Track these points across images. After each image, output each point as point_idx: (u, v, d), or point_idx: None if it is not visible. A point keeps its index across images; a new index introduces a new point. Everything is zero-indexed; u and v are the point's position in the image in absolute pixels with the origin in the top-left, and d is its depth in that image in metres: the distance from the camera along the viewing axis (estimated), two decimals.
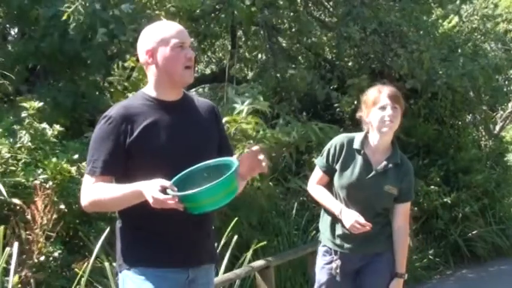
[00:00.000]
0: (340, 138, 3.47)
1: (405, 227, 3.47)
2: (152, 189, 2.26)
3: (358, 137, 3.43)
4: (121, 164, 2.46)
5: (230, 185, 2.31)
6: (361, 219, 3.26)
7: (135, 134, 2.46)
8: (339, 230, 3.40)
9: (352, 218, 3.27)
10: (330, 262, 3.42)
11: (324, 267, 3.44)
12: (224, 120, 5.38)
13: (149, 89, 2.59)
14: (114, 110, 2.51)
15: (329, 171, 3.44)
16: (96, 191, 2.44)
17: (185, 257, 2.52)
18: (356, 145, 3.40)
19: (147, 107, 2.53)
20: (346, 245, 3.39)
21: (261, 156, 2.51)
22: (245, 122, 5.56)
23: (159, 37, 2.50)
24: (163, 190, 2.25)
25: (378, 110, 3.32)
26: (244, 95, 5.90)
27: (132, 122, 2.47)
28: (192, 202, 2.29)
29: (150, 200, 2.26)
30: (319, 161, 3.51)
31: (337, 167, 3.40)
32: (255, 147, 2.55)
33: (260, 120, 5.90)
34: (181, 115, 2.57)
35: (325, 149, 3.49)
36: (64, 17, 5.69)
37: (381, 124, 3.32)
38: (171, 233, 2.49)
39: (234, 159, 2.42)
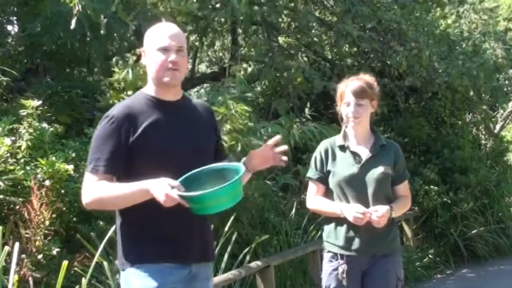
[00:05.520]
0: (323, 144, 3.53)
1: (408, 197, 3.51)
2: (164, 187, 2.31)
3: (338, 135, 3.51)
4: (123, 163, 2.50)
5: (235, 190, 2.38)
6: (361, 208, 3.26)
7: (138, 133, 2.50)
8: (343, 232, 3.38)
9: (352, 210, 3.28)
10: (337, 268, 3.39)
11: (331, 273, 3.41)
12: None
13: (149, 89, 2.65)
14: (116, 110, 2.55)
15: (322, 178, 3.45)
16: (99, 189, 2.47)
17: (187, 253, 2.56)
18: (339, 142, 3.46)
19: (149, 107, 2.57)
20: (353, 246, 3.36)
21: (280, 148, 2.67)
22: (235, 118, 5.54)
23: (149, 39, 2.61)
24: (172, 189, 2.32)
25: (344, 105, 3.41)
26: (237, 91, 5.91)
27: (134, 121, 2.52)
28: (197, 203, 2.35)
29: (161, 198, 2.31)
30: (310, 173, 3.52)
31: (328, 168, 3.43)
32: (274, 140, 2.68)
33: (251, 114, 5.86)
34: (182, 115, 2.63)
35: (312, 159, 3.54)
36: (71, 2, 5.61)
37: (347, 120, 3.41)
38: (173, 230, 2.52)
39: (240, 165, 2.50)
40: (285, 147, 2.68)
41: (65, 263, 3.49)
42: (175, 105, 2.63)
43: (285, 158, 2.70)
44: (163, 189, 2.31)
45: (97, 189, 2.47)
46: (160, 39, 2.56)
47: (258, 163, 2.69)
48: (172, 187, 2.31)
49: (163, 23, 2.72)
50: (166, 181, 2.32)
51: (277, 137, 2.69)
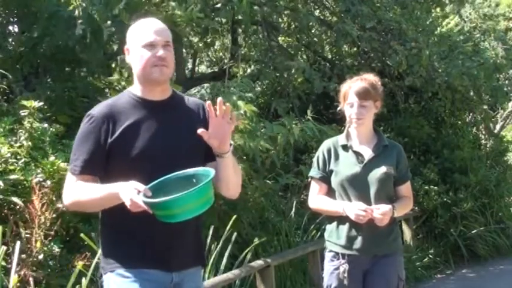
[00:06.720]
0: (326, 143, 3.53)
1: (410, 198, 3.51)
2: (130, 192, 2.22)
3: (341, 135, 3.52)
4: (101, 164, 2.43)
5: (204, 196, 2.25)
6: (363, 206, 3.27)
7: (116, 134, 2.43)
8: (345, 231, 3.38)
9: (354, 208, 3.28)
10: (338, 267, 3.40)
11: (333, 272, 3.42)
12: None
13: (134, 88, 2.56)
14: (97, 109, 2.48)
15: (325, 177, 3.46)
16: (76, 191, 2.42)
17: (166, 260, 2.46)
18: (341, 142, 3.47)
19: (131, 106, 2.49)
20: (355, 246, 3.37)
21: (221, 109, 2.40)
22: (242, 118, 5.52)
23: (132, 36, 2.52)
24: (138, 193, 2.22)
25: (347, 106, 3.42)
26: (240, 90, 5.90)
27: (114, 121, 2.44)
28: (163, 210, 2.24)
29: (128, 203, 2.23)
30: (312, 172, 3.52)
31: (331, 168, 3.43)
32: (210, 110, 2.42)
33: (255, 114, 5.83)
34: (167, 115, 2.52)
35: (314, 158, 3.54)
36: (70, 8, 5.60)
37: (350, 120, 3.42)
38: (152, 236, 2.43)
39: (211, 170, 2.36)
40: (219, 100, 2.40)
41: (77, 270, 3.46)
42: (162, 105, 2.52)
43: (233, 114, 2.44)
44: (129, 193, 2.22)
45: (75, 191, 2.42)
46: (145, 35, 2.45)
47: (220, 142, 2.44)
48: (139, 191, 2.21)
49: (147, 18, 2.61)
50: (133, 185, 2.23)
51: (207, 103, 2.45)
